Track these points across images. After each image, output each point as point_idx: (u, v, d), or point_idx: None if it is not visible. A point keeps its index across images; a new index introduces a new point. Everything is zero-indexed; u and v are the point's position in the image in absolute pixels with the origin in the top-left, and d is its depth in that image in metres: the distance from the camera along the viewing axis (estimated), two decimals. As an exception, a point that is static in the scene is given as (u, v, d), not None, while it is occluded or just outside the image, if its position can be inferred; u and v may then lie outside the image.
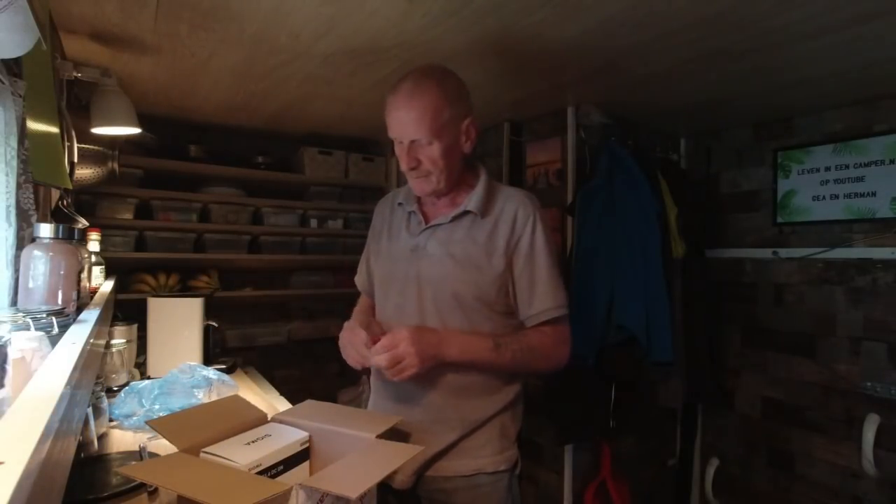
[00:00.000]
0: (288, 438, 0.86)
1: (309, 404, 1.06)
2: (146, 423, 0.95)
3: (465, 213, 1.08)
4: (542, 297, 1.06)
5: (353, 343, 1.02)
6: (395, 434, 0.99)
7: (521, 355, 1.03)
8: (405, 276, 1.10)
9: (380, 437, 0.87)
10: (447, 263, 1.06)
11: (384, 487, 1.08)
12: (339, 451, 0.85)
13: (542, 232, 1.07)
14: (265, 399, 1.63)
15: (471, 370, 1.05)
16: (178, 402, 1.35)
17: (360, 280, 1.30)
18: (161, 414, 1.30)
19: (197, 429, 0.87)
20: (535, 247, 1.06)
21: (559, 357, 1.09)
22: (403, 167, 1.06)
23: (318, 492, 0.71)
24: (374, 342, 0.97)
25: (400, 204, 1.18)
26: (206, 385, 1.45)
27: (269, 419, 0.99)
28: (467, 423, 1.06)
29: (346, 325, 1.08)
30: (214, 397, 1.47)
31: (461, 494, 1.06)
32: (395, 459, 0.78)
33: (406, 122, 1.01)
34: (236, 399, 1.05)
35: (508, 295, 1.07)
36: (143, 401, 1.36)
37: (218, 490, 0.68)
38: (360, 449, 0.83)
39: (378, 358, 0.95)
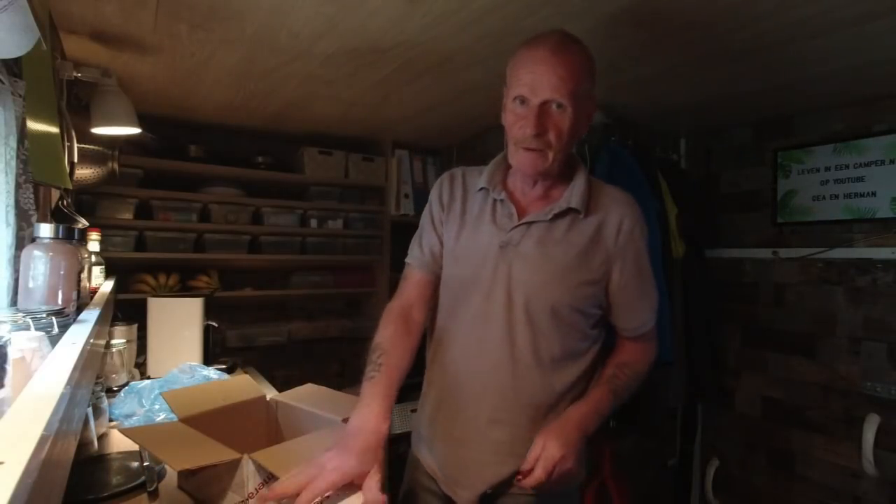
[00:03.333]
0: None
1: (308, 388, 1.12)
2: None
3: (568, 210, 0.96)
4: (645, 310, 1.03)
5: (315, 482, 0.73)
6: (476, 450, 0.97)
7: (629, 389, 1.01)
8: (493, 278, 0.96)
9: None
10: (545, 268, 0.94)
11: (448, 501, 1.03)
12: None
13: (645, 242, 1.01)
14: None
15: (557, 386, 0.97)
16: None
17: (417, 256, 1.07)
18: (161, 414, 1.30)
19: (199, 403, 0.99)
20: (641, 258, 1.00)
21: (650, 368, 1.07)
22: (527, 131, 0.90)
23: (265, 471, 0.78)
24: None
25: (481, 189, 1.02)
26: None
27: (267, 398, 1.11)
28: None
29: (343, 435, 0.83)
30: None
31: None
32: None
33: (547, 78, 0.87)
34: (244, 380, 1.15)
35: (601, 303, 1.00)
36: (143, 401, 1.35)
37: (176, 450, 0.80)
38: (315, 435, 0.89)
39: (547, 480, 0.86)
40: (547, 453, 0.86)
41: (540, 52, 0.89)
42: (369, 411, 0.86)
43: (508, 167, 1.03)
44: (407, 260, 1.10)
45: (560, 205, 0.96)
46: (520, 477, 0.90)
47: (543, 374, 0.96)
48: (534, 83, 0.88)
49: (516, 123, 0.92)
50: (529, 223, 0.97)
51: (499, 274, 0.96)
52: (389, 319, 1.02)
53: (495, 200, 1.01)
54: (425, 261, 1.07)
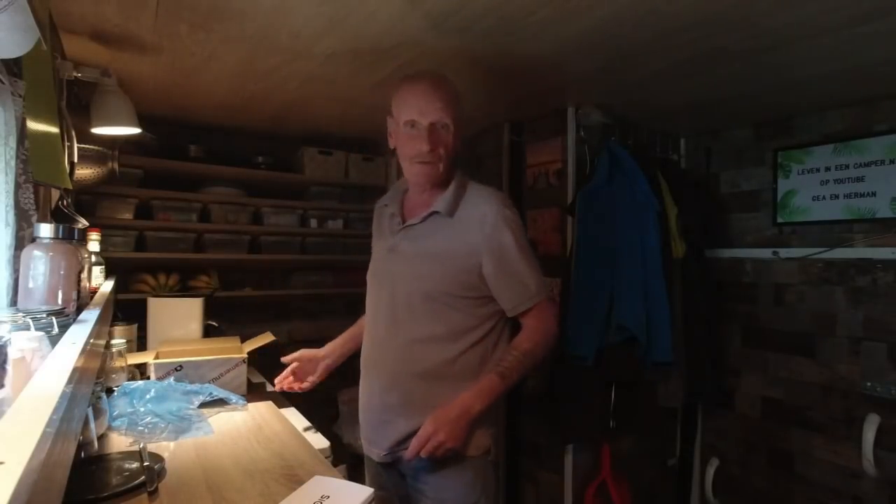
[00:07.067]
0: (350, 500, 0.83)
1: None
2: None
3: (433, 213, 1.16)
4: (519, 290, 1.13)
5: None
6: (376, 412, 1.19)
7: (524, 367, 1.10)
8: (383, 274, 1.21)
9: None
10: (416, 262, 1.15)
11: (369, 460, 1.25)
12: None
13: (508, 228, 1.12)
14: (265, 398, 1.63)
15: (438, 358, 1.12)
16: (169, 407, 1.34)
17: None
18: (147, 417, 1.29)
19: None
20: (503, 244, 1.11)
21: (552, 337, 1.16)
22: (423, 148, 1.11)
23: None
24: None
25: (385, 206, 1.28)
26: (206, 395, 1.45)
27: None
28: (435, 407, 1.08)
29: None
30: (214, 408, 1.47)
31: (429, 474, 1.14)
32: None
33: (433, 105, 1.10)
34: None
35: (478, 287, 1.13)
36: (134, 402, 1.35)
37: None
38: None
39: (423, 452, 1.04)
40: (422, 431, 1.04)
41: (423, 86, 1.12)
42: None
43: (407, 187, 1.26)
44: None
45: (429, 210, 1.16)
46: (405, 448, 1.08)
47: (427, 350, 1.13)
48: (422, 109, 1.11)
49: (409, 143, 1.13)
50: (407, 227, 1.18)
51: (386, 271, 1.20)
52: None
53: (391, 214, 1.24)
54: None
